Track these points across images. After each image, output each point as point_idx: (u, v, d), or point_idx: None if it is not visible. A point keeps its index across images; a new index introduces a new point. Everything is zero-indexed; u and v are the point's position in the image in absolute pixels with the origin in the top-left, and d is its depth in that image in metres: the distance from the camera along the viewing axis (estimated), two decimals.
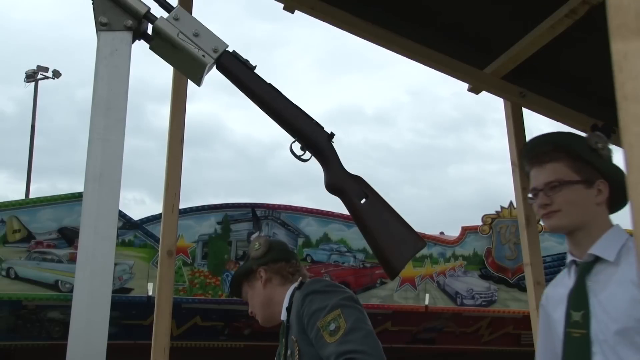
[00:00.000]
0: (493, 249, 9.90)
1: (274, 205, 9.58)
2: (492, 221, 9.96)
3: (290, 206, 9.71)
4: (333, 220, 9.47)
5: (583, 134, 1.44)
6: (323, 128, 1.23)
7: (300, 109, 1.21)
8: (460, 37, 2.23)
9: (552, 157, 1.37)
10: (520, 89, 2.35)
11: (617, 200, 1.37)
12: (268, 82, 1.19)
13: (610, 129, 1.42)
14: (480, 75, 2.29)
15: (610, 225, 1.35)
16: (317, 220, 9.55)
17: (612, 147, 1.42)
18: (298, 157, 1.23)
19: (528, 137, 2.47)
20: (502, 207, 10.06)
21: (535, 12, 2.01)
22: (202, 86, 1.18)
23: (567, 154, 1.36)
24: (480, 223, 9.93)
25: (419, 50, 2.21)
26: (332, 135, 1.23)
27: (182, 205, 2.22)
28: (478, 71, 2.29)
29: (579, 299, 1.29)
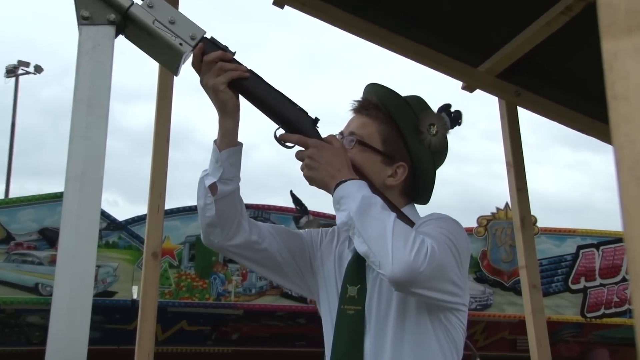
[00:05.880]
0: (488, 251, 9.95)
1: (263, 205, 9.57)
2: (488, 223, 10.01)
3: (281, 207, 9.71)
4: (323, 220, 9.47)
5: (431, 111, 1.32)
6: (307, 113, 1.23)
7: (283, 94, 1.22)
8: (454, 35, 2.25)
9: (370, 113, 1.30)
10: (515, 87, 2.36)
11: (420, 192, 1.32)
12: (249, 67, 1.19)
13: (460, 117, 1.33)
14: (474, 74, 2.31)
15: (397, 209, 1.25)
16: None
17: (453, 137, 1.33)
18: (282, 144, 1.23)
19: (524, 137, 2.50)
20: (497, 209, 10.10)
21: (531, 9, 2.03)
22: (178, 75, 1.18)
23: (386, 119, 1.30)
24: (475, 225, 9.98)
25: (412, 48, 2.22)
26: (316, 120, 1.24)
27: (168, 205, 2.21)
28: (472, 69, 2.31)
29: (356, 272, 1.26)
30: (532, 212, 2.53)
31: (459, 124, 1.34)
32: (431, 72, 2.27)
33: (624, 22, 0.38)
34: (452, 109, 1.33)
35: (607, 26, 0.39)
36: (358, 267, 1.26)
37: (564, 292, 10.25)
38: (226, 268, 9.29)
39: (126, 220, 9.02)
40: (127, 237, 8.92)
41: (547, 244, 10.15)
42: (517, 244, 2.45)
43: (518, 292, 9.31)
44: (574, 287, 10.29)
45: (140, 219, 8.76)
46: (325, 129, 1.24)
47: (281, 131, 1.24)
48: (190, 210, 9.19)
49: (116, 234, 8.90)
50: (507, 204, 9.72)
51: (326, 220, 9.37)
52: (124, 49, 1.08)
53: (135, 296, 8.43)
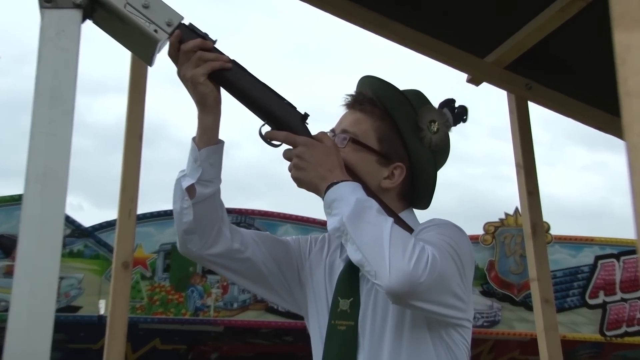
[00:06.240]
0: (496, 261, 9.99)
1: (247, 210, 9.56)
2: (495, 230, 10.05)
3: (266, 212, 9.71)
4: (314, 227, 9.48)
5: (431, 106, 1.34)
6: (296, 108, 1.24)
7: (270, 87, 1.22)
8: (458, 22, 2.26)
9: (365, 109, 1.31)
10: (526, 80, 2.38)
11: (419, 196, 1.34)
12: (231, 57, 1.20)
13: (464, 113, 1.34)
14: (480, 65, 2.32)
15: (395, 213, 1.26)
16: (296, 228, 9.54)
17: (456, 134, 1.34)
18: (268, 143, 1.24)
19: (535, 135, 2.51)
20: (506, 214, 10.15)
21: None
22: (153, 65, 1.18)
23: (382, 115, 1.31)
24: (481, 232, 10.02)
25: (412, 36, 2.23)
26: (306, 116, 1.25)
27: (140, 210, 2.21)
28: (478, 60, 2.32)
29: (349, 284, 1.26)
30: (545, 218, 2.55)
31: (464, 120, 1.35)
32: (433, 64, 2.29)
33: (637, 12, 0.39)
34: (456, 105, 1.34)
35: (620, 16, 0.39)
36: (351, 278, 1.26)
37: (581, 308, 10.30)
38: (205, 280, 9.27)
39: (93, 227, 8.98)
40: (94, 245, 8.87)
41: (562, 254, 10.21)
42: (528, 254, 2.46)
43: (529, 307, 9.36)
44: (591, 302, 10.35)
45: (108, 225, 8.72)
46: (315, 126, 1.25)
47: (267, 128, 1.24)
48: (165, 215, 9.15)
49: (82, 241, 8.85)
50: (516, 209, 9.79)
51: (317, 228, 9.38)
52: (92, 36, 1.08)
53: (102, 311, 8.40)
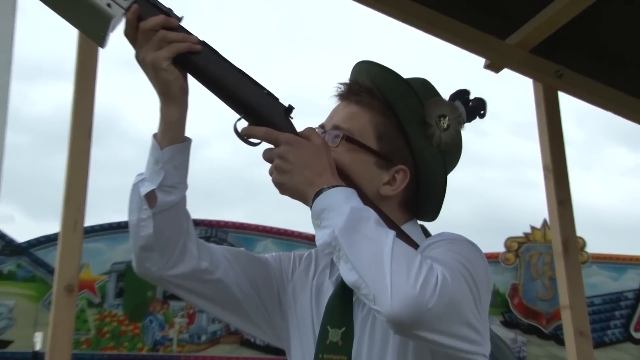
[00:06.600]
0: (520, 285, 10.04)
1: (218, 222, 9.56)
2: (519, 247, 10.10)
3: (241, 224, 9.71)
4: (300, 243, 9.49)
5: (441, 98, 1.34)
6: (278, 100, 1.26)
7: (247, 74, 1.24)
8: None
9: (362, 100, 1.32)
10: (555, 66, 2.40)
11: (425, 205, 1.35)
12: (200, 38, 1.21)
13: (481, 107, 1.35)
14: (501, 48, 2.34)
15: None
16: (277, 243, 9.56)
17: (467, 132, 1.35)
18: (245, 141, 1.25)
19: (567, 132, 2.54)
20: (532, 228, 10.19)
21: None
22: (105, 47, 1.19)
23: (382, 108, 1.31)
24: (502, 249, 10.05)
25: (422, 15, 2.25)
26: (290, 108, 1.26)
27: (88, 222, 2.22)
28: (499, 42, 2.34)
29: (341, 310, 1.28)
30: (579, 233, 2.57)
31: (481, 116, 1.37)
32: (443, 47, 2.30)
33: None
34: (470, 97, 1.36)
35: None
36: (343, 304, 1.27)
37: (624, 342, 10.37)
38: (167, 307, 9.25)
39: (28, 242, 8.94)
40: (29, 265, 8.83)
41: (601, 277, 10.27)
42: (559, 276, 2.48)
43: (560, 341, 9.41)
44: (637, 335, 10.41)
45: (48, 240, 8.68)
46: (301, 121, 1.26)
47: (243, 123, 1.25)
48: (119, 228, 9.14)
49: (13, 260, 8.81)
50: (545, 221, 9.82)
51: (303, 243, 9.38)
52: (27, 9, 1.09)
53: (38, 347, 8.35)
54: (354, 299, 1.26)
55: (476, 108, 1.36)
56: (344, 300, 1.29)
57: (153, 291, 9.17)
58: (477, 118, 1.38)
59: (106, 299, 9.10)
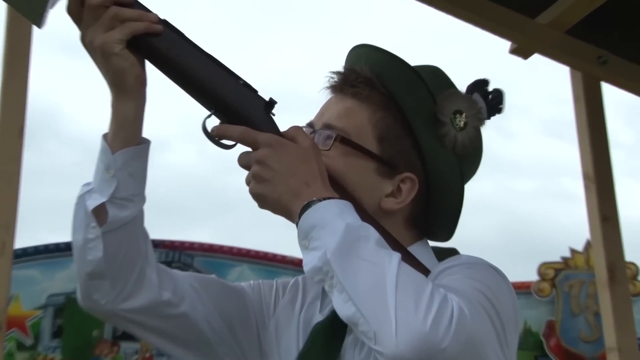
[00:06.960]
0: (558, 322, 10.06)
1: (182, 243, 9.54)
2: (556, 275, 10.11)
3: (210, 245, 9.70)
4: (283, 269, 9.48)
5: (456, 90, 1.36)
6: (257, 92, 1.26)
7: (219, 61, 1.24)
8: None
9: (359, 93, 1.32)
10: (598, 50, 2.41)
11: (437, 222, 1.36)
12: (161, 17, 1.21)
13: (499, 99, 1.36)
14: (530, 28, 2.35)
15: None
16: (256, 269, 9.55)
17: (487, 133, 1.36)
18: (217, 142, 1.26)
19: (613, 133, 2.54)
20: (572, 251, 10.20)
21: None
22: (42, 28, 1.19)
23: (385, 103, 1.32)
24: (534, 277, 10.07)
25: None
26: (271, 103, 1.27)
27: (19, 244, 2.21)
28: (528, 21, 2.34)
29: (330, 350, 1.28)
30: (629, 257, 2.57)
31: (499, 110, 1.37)
32: (460, 28, 2.31)
33: None
34: (490, 88, 1.36)
35: None
36: (332, 342, 1.28)
37: None
38: (117, 349, 9.22)
39: None
40: None
41: None
42: (603, 310, 2.48)
43: None
44: None
45: None
46: (285, 118, 1.27)
47: (215, 121, 1.26)
48: (58, 251, 9.11)
49: None
50: (587, 242, 9.84)
51: (287, 270, 9.38)
52: None
53: None
54: (348, 339, 1.26)
55: (496, 101, 1.37)
56: (334, 337, 1.29)
57: (100, 330, 9.14)
58: (497, 114, 1.38)
59: (40, 340, 9.06)
